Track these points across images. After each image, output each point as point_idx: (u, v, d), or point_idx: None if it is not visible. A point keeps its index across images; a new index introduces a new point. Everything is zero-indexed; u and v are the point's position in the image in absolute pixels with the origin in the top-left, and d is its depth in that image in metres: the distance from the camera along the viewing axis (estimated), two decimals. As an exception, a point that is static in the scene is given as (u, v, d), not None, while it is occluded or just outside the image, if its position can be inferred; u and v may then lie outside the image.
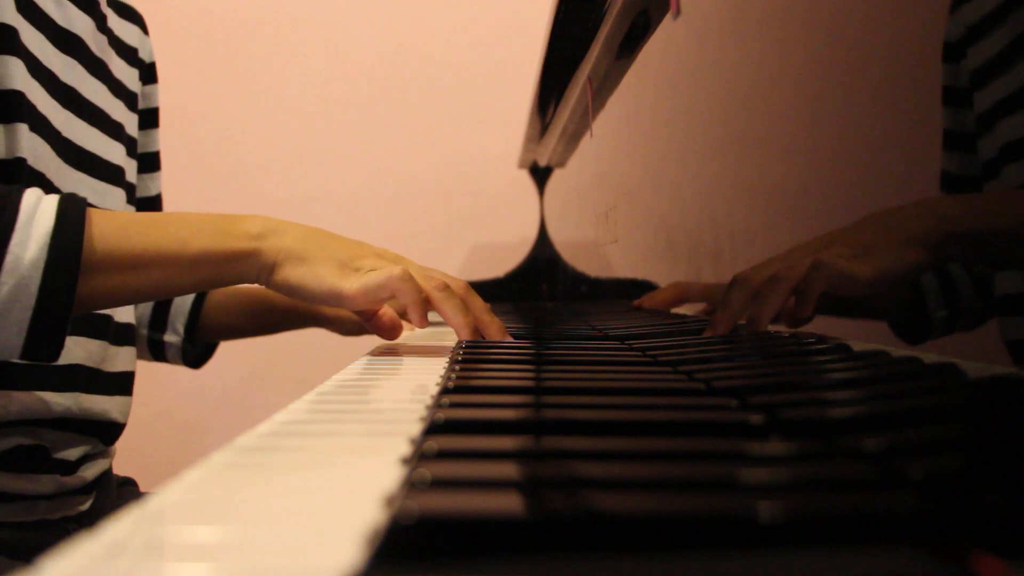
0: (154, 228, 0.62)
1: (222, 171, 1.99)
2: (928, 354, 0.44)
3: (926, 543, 0.19)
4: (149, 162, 1.01)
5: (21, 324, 0.56)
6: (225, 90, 2.03)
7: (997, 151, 0.43)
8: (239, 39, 2.05)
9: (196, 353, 1.09)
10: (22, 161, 0.69)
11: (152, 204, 1.03)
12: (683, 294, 0.98)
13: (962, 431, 0.30)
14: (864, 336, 0.55)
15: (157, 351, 1.06)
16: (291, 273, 0.63)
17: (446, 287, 0.66)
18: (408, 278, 0.63)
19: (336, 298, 0.63)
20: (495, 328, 0.67)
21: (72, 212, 0.57)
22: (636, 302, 1.04)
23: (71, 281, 0.56)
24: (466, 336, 0.65)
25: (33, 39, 0.73)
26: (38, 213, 0.56)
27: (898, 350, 0.47)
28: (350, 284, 0.63)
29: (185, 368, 1.11)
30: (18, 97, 0.69)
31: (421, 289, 0.64)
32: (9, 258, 0.55)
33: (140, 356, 1.04)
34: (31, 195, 0.57)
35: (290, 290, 0.64)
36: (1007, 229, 0.44)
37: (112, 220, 0.60)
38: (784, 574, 0.19)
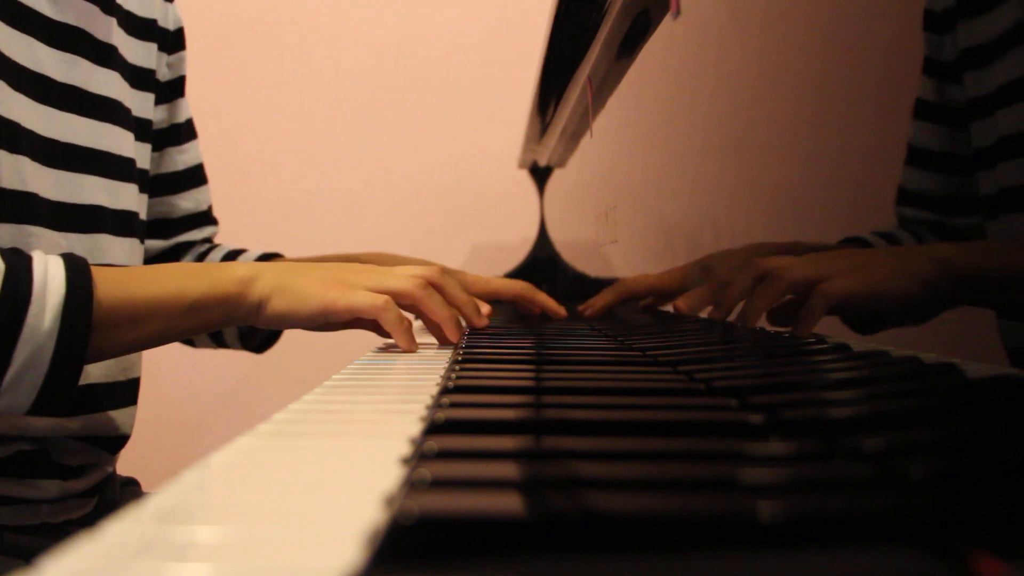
0: (152, 280, 0.64)
1: (223, 171, 1.98)
2: (928, 354, 0.44)
3: (926, 543, 0.19)
4: (176, 134, 0.96)
5: (33, 387, 0.58)
6: (225, 90, 2.03)
7: (995, 139, 0.43)
8: (239, 39, 2.05)
9: (258, 337, 1.04)
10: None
11: (179, 179, 0.97)
12: (627, 293, 0.99)
13: (962, 431, 0.30)
14: (863, 336, 0.55)
15: (216, 336, 1.02)
16: (278, 304, 0.67)
17: (428, 285, 0.70)
18: (391, 307, 0.67)
19: (324, 312, 0.67)
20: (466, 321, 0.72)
21: (80, 278, 0.59)
22: (581, 308, 1.04)
23: (83, 345, 0.59)
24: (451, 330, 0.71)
25: (20, 47, 0.71)
26: (49, 280, 0.58)
27: (898, 350, 0.47)
28: (339, 297, 0.67)
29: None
30: None
31: (403, 318, 0.68)
32: (26, 330, 0.57)
33: (202, 345, 1.02)
34: (39, 262, 0.59)
35: (281, 319, 0.67)
36: (999, 276, 0.45)
37: (114, 277, 0.63)
38: (784, 574, 0.19)
